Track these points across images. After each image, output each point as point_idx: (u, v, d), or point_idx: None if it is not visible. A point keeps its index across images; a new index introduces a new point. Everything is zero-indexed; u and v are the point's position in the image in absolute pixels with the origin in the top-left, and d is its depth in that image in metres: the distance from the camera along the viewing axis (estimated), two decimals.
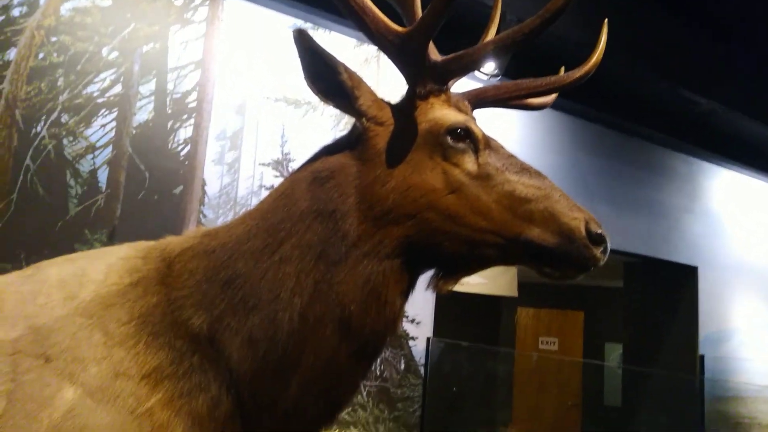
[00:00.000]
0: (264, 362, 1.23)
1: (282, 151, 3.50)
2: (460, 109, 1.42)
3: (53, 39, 3.33)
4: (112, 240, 3.20)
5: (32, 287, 1.29)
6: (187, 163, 3.55)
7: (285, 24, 3.76)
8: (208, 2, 3.79)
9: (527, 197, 1.30)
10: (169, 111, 3.57)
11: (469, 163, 1.33)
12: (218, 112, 3.69)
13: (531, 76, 1.52)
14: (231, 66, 3.70)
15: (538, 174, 1.36)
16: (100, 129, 3.34)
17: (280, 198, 1.36)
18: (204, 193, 3.50)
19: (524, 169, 1.36)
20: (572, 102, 5.01)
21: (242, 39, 3.77)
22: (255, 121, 3.47)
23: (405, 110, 1.37)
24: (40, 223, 3.07)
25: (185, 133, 3.60)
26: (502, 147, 1.40)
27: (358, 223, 1.28)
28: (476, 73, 3.82)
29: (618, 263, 6.71)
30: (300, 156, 3.48)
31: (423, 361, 3.81)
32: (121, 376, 1.17)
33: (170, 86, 3.59)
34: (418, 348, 3.89)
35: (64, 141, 3.25)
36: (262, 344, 1.23)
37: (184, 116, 3.61)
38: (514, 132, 4.70)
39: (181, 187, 3.44)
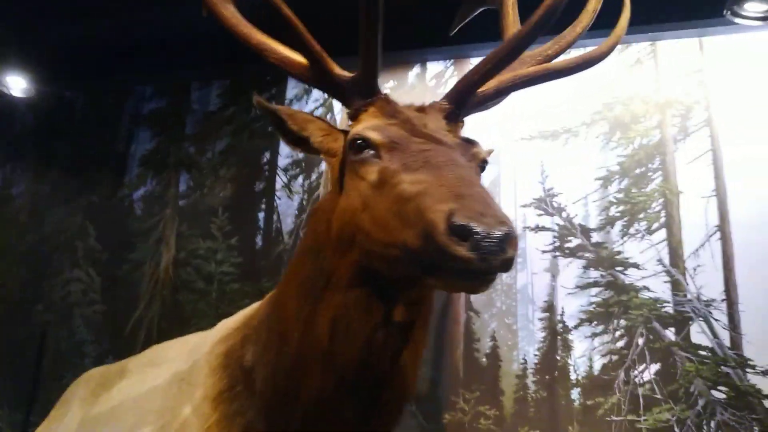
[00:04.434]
0: (274, 394, 1.35)
1: (544, 188, 3.33)
2: (393, 116, 1.25)
3: None
4: None
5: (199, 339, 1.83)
6: None
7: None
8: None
9: (408, 196, 1.06)
10: None
11: (372, 173, 1.18)
12: None
13: None
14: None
15: (449, 164, 1.08)
16: None
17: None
18: None
19: (430, 164, 1.09)
20: None
21: None
22: (511, 166, 3.45)
23: (346, 136, 1.33)
24: None
25: None
26: (427, 141, 1.16)
27: (331, 256, 1.28)
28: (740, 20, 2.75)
29: None
30: (564, 188, 3.26)
31: None
32: (206, 399, 1.54)
33: None
34: None
35: None
36: (272, 378, 1.36)
37: None
38: None
39: None
